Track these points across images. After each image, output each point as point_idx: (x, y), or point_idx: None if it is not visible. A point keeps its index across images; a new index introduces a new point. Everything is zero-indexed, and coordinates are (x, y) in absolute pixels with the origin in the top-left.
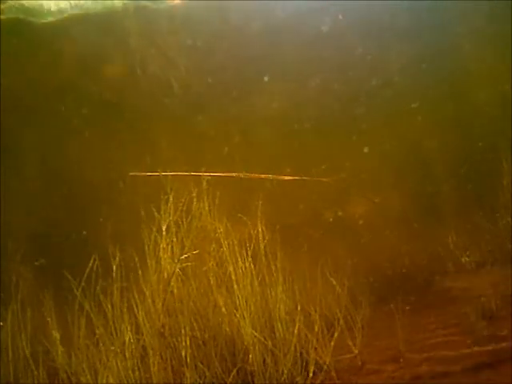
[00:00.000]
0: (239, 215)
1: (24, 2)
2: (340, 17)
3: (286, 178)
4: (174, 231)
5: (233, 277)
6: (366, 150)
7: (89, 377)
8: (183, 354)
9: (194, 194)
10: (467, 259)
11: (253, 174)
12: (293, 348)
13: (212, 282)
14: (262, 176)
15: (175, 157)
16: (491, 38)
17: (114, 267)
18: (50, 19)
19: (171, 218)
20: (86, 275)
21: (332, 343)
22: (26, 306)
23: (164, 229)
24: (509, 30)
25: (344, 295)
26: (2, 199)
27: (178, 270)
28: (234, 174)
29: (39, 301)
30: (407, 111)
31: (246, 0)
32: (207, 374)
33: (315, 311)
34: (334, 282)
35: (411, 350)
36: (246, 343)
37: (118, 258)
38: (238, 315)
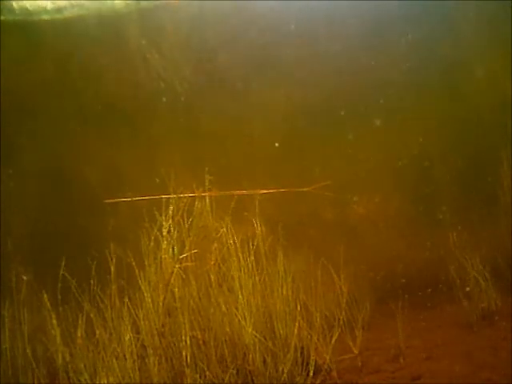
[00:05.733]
0: (241, 214)
1: (23, 1)
2: (344, 18)
3: (262, 191)
4: (174, 231)
5: (234, 276)
6: (366, 152)
7: (90, 377)
8: (183, 353)
9: (196, 194)
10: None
11: (224, 192)
12: (293, 348)
13: (213, 281)
14: (236, 192)
15: (176, 157)
16: (491, 38)
17: (113, 267)
18: (47, 18)
19: (172, 218)
20: (85, 275)
21: (332, 343)
22: (26, 305)
23: (165, 228)
24: (509, 30)
25: (345, 295)
26: (1, 199)
27: (178, 269)
28: (200, 193)
29: (39, 301)
30: (406, 111)
31: (247, 0)
32: (207, 373)
33: (316, 311)
34: (336, 282)
35: (411, 350)
36: (246, 343)
37: (118, 258)
38: (238, 315)
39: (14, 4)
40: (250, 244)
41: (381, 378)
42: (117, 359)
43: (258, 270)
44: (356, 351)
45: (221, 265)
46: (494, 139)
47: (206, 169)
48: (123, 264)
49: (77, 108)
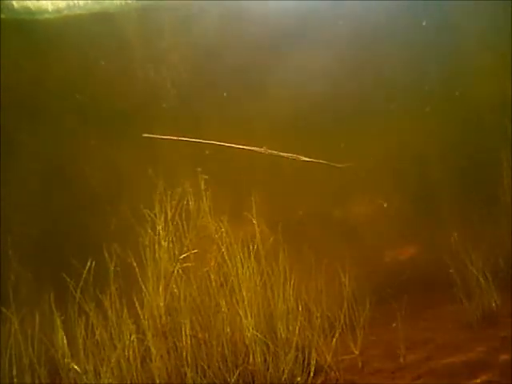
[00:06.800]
0: (240, 214)
1: (21, 1)
2: (341, 22)
3: (304, 159)
4: (173, 231)
5: (235, 276)
6: (366, 154)
7: (91, 377)
8: (184, 354)
9: (192, 195)
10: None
11: (275, 151)
12: (294, 348)
13: (213, 281)
14: (283, 154)
15: (174, 158)
16: (491, 38)
17: (112, 267)
18: (47, 17)
19: (170, 218)
20: (85, 276)
21: (333, 343)
22: (27, 305)
23: (164, 229)
24: (509, 30)
25: (345, 295)
26: (1, 198)
27: (178, 270)
28: (255, 148)
29: (39, 301)
30: (406, 111)
31: (248, 0)
32: (208, 373)
33: (317, 311)
34: (337, 283)
35: (411, 350)
36: (247, 343)
37: (119, 258)
38: (239, 315)
39: (14, 3)
40: (251, 244)
41: (381, 378)
42: (119, 359)
43: (259, 270)
44: (356, 351)
45: (222, 264)
46: (494, 139)
47: (199, 169)
48: (124, 264)
49: (77, 107)
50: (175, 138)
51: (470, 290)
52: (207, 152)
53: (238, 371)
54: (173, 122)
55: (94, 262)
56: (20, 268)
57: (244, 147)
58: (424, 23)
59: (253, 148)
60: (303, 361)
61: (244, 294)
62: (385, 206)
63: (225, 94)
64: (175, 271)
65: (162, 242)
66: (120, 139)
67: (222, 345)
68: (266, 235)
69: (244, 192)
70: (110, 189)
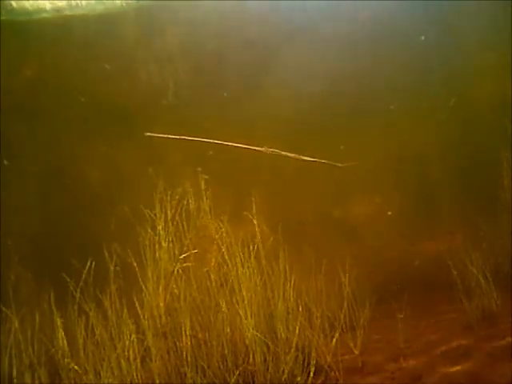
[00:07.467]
0: (240, 214)
1: (22, 1)
2: (341, 22)
3: (306, 158)
4: (173, 231)
5: (235, 276)
6: (366, 154)
7: (91, 377)
8: (184, 354)
9: (192, 195)
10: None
11: (276, 150)
12: (294, 348)
13: (213, 281)
14: (283, 153)
15: (174, 158)
16: (491, 38)
17: (112, 267)
18: (47, 18)
19: (170, 218)
20: (85, 276)
21: (333, 343)
22: (27, 306)
23: (164, 229)
24: (509, 30)
25: (345, 295)
26: (1, 199)
27: (178, 270)
28: (257, 148)
29: (39, 301)
30: (406, 112)
31: (246, 0)
32: (208, 373)
33: (317, 311)
34: (337, 283)
35: (411, 350)
36: (247, 343)
37: (119, 258)
38: (239, 315)
39: (14, 4)
40: (251, 244)
41: (381, 378)
42: (119, 359)
43: (259, 270)
44: (357, 351)
45: (222, 264)
46: (494, 139)
47: (199, 169)
48: (124, 264)
49: (76, 107)
50: (177, 137)
51: (470, 290)
52: (210, 152)
53: (238, 371)
54: (173, 122)
55: (93, 262)
56: (20, 268)
57: (245, 146)
58: (423, 38)
59: (254, 148)
60: (303, 361)
61: (244, 293)
62: (389, 214)
63: (225, 94)
64: (175, 271)
65: (162, 242)
66: (120, 139)
67: (222, 345)
68: (266, 235)
69: (244, 192)
70: (109, 189)
